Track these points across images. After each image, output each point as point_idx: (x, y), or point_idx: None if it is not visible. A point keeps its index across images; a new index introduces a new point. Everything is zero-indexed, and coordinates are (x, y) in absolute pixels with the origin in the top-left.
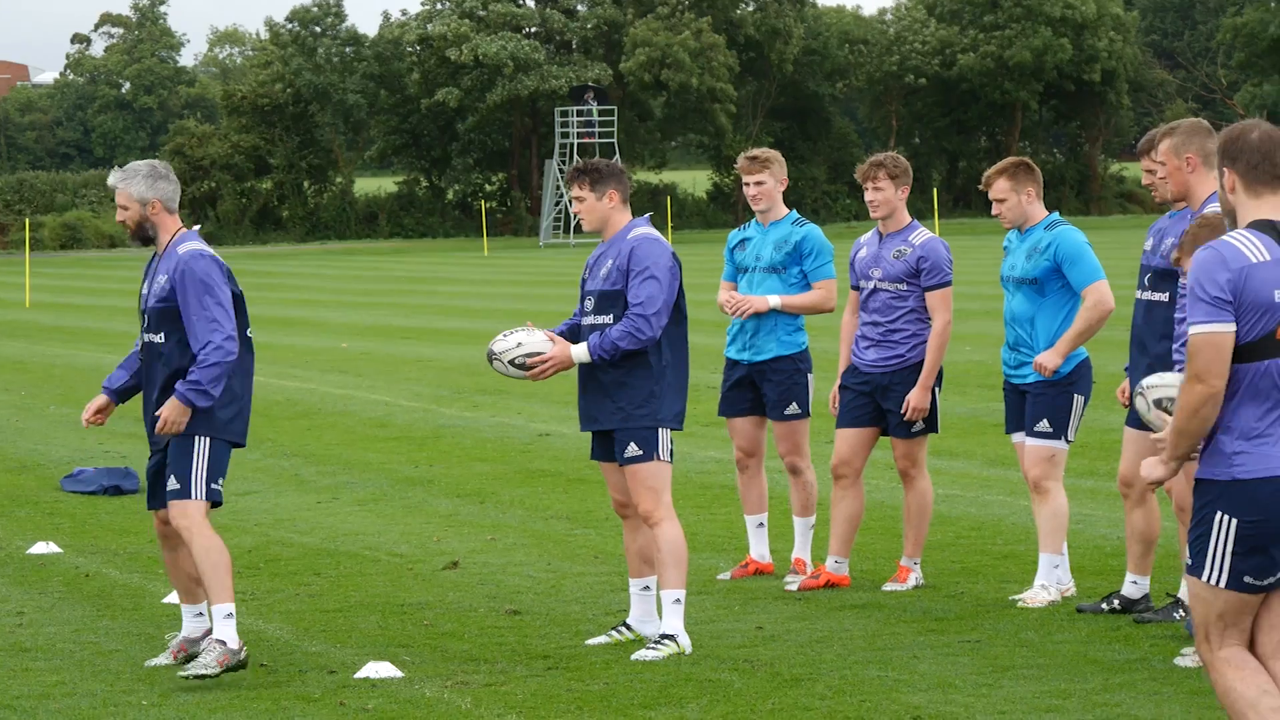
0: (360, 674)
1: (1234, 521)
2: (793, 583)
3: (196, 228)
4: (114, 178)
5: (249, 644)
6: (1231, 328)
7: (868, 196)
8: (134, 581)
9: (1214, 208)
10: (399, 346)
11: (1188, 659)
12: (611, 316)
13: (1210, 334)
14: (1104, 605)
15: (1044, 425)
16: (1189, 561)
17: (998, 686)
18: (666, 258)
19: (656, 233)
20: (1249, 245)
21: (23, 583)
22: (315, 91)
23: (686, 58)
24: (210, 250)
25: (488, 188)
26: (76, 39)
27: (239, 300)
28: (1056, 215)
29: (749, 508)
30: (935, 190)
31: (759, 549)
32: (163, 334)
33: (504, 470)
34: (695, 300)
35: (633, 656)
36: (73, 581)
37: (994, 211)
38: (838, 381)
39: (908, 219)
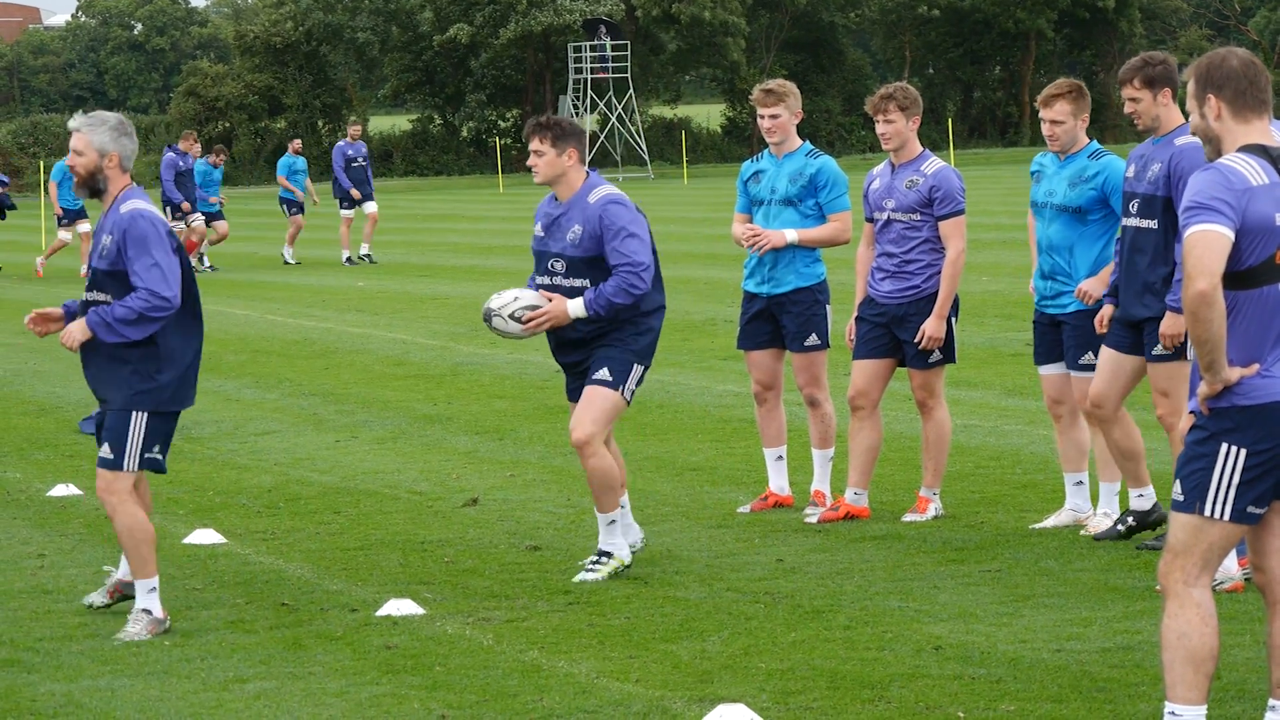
0: (382, 611)
1: (1242, 452)
2: (812, 515)
3: (143, 191)
4: (77, 120)
5: (269, 584)
6: (1226, 230)
7: (879, 129)
8: (153, 522)
9: (1187, 138)
10: (416, 284)
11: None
12: (588, 280)
13: (1203, 232)
14: (1119, 527)
15: (1089, 358)
16: (1180, 498)
17: (1019, 615)
18: (634, 212)
19: (615, 189)
20: (1249, 168)
21: (43, 525)
22: (327, 30)
23: None
24: (153, 210)
25: (502, 124)
26: None
27: (185, 269)
28: (1098, 144)
29: (768, 441)
30: (950, 121)
31: (778, 482)
32: (108, 295)
33: (522, 406)
34: (711, 234)
35: (575, 578)
36: (93, 523)
37: (1046, 132)
38: (854, 314)
39: (919, 149)
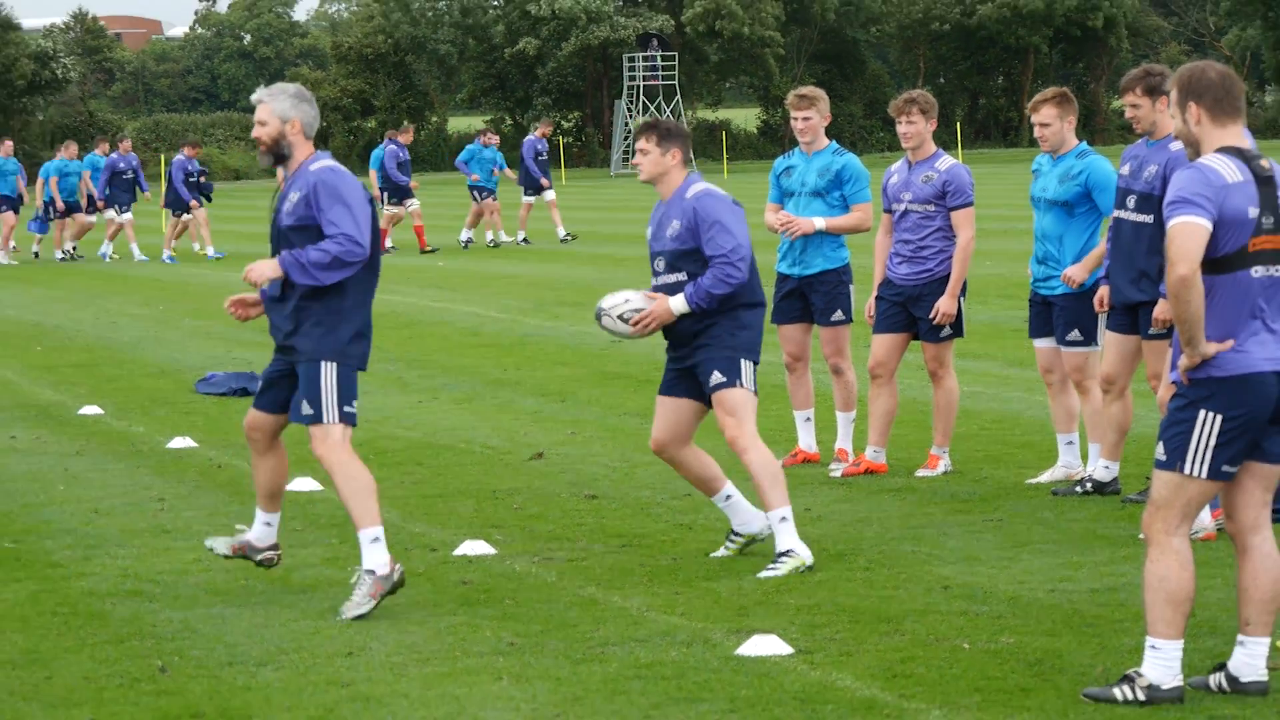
0: (458, 551)
1: (1218, 417)
2: (836, 470)
3: (326, 152)
4: (259, 93)
5: None
6: (1205, 222)
7: (901, 129)
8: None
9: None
10: (489, 264)
11: None
12: (685, 274)
13: (1185, 223)
14: (1078, 489)
15: (1075, 335)
16: (1163, 457)
17: (1017, 560)
18: (729, 205)
19: (713, 186)
20: (1226, 167)
21: (163, 473)
22: (412, 42)
23: (739, 9)
24: (343, 168)
25: (565, 125)
26: None
27: (374, 226)
28: (1086, 145)
29: (797, 404)
30: (958, 124)
31: (806, 440)
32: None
33: (582, 372)
34: (748, 222)
35: (759, 575)
36: (207, 472)
37: (1037, 134)
38: (873, 294)
39: (934, 148)
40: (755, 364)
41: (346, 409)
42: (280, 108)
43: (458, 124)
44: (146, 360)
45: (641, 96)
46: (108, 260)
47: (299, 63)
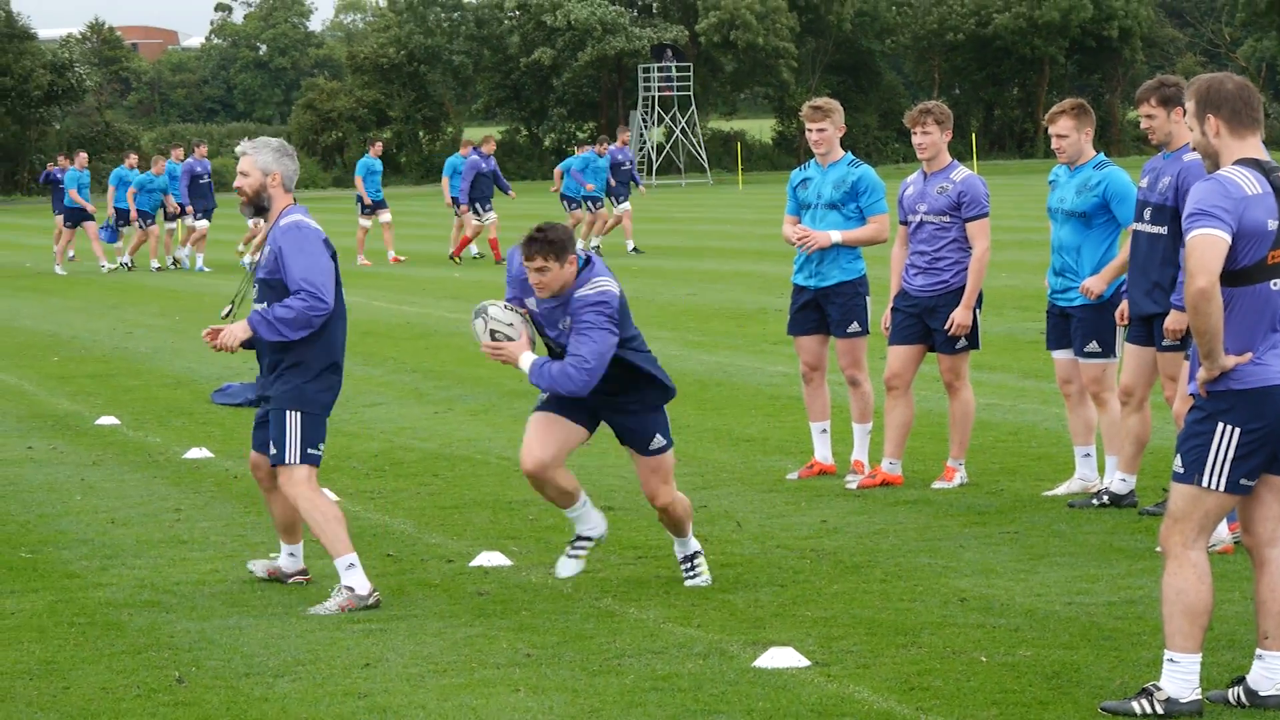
0: (474, 562)
1: (1236, 430)
2: (852, 481)
3: (304, 208)
4: (243, 145)
5: (376, 537)
6: (1224, 234)
7: (916, 140)
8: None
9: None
10: (504, 275)
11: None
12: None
13: (1204, 235)
14: (1094, 501)
15: (1094, 346)
16: (1181, 470)
17: (1034, 572)
18: (603, 316)
19: (593, 290)
20: (1245, 179)
21: (179, 483)
22: (427, 52)
23: (753, 20)
24: (311, 222)
25: (579, 135)
26: (219, 7)
27: (336, 276)
28: (1104, 156)
29: (814, 415)
30: (973, 135)
31: (822, 452)
32: (265, 304)
33: None
34: (764, 234)
35: (689, 584)
36: (223, 482)
37: (1054, 146)
38: (889, 305)
39: (949, 159)
40: None
41: (310, 451)
42: (263, 161)
43: (472, 134)
44: (163, 370)
45: (656, 107)
46: (204, 270)
47: (314, 73)
